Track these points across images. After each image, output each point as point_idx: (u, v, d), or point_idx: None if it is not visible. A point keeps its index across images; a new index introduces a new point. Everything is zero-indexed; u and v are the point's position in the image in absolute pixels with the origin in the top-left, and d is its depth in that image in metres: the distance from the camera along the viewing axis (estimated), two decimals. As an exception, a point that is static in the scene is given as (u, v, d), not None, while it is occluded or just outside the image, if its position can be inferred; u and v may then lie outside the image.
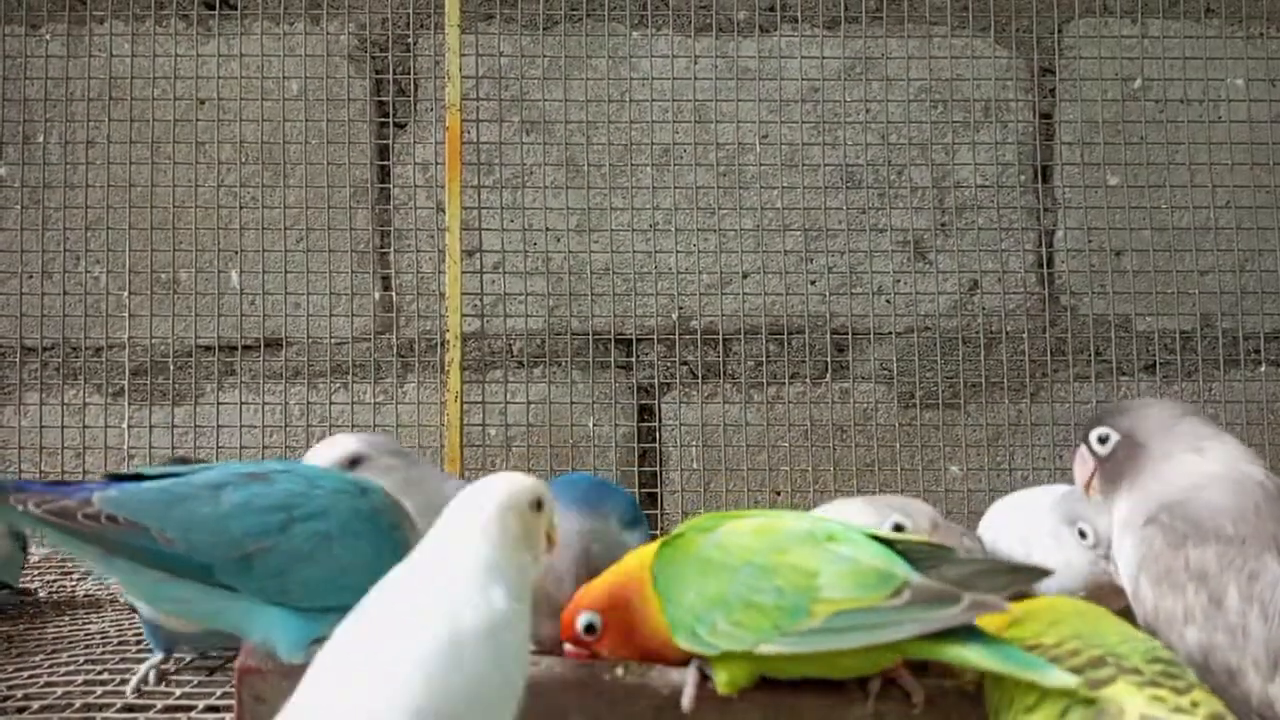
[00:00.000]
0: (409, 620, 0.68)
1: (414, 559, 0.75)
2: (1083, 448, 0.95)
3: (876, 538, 0.82)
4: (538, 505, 0.79)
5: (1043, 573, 0.81)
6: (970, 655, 0.73)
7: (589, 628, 0.88)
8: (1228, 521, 0.82)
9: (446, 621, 0.68)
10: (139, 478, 0.92)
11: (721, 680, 0.81)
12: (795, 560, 0.79)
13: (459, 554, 0.74)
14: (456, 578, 0.72)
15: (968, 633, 0.75)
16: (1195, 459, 0.87)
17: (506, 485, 0.78)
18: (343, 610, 0.89)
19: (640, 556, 0.90)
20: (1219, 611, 0.78)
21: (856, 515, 0.96)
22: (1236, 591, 0.78)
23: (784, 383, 1.91)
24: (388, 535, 0.93)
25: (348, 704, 0.64)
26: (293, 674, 0.86)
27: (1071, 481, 1.00)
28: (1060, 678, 0.70)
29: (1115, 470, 0.90)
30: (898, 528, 0.93)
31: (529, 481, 0.79)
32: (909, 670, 0.85)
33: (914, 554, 0.81)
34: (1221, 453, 0.88)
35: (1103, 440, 0.92)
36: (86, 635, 1.35)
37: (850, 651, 0.76)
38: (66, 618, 1.44)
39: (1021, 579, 0.81)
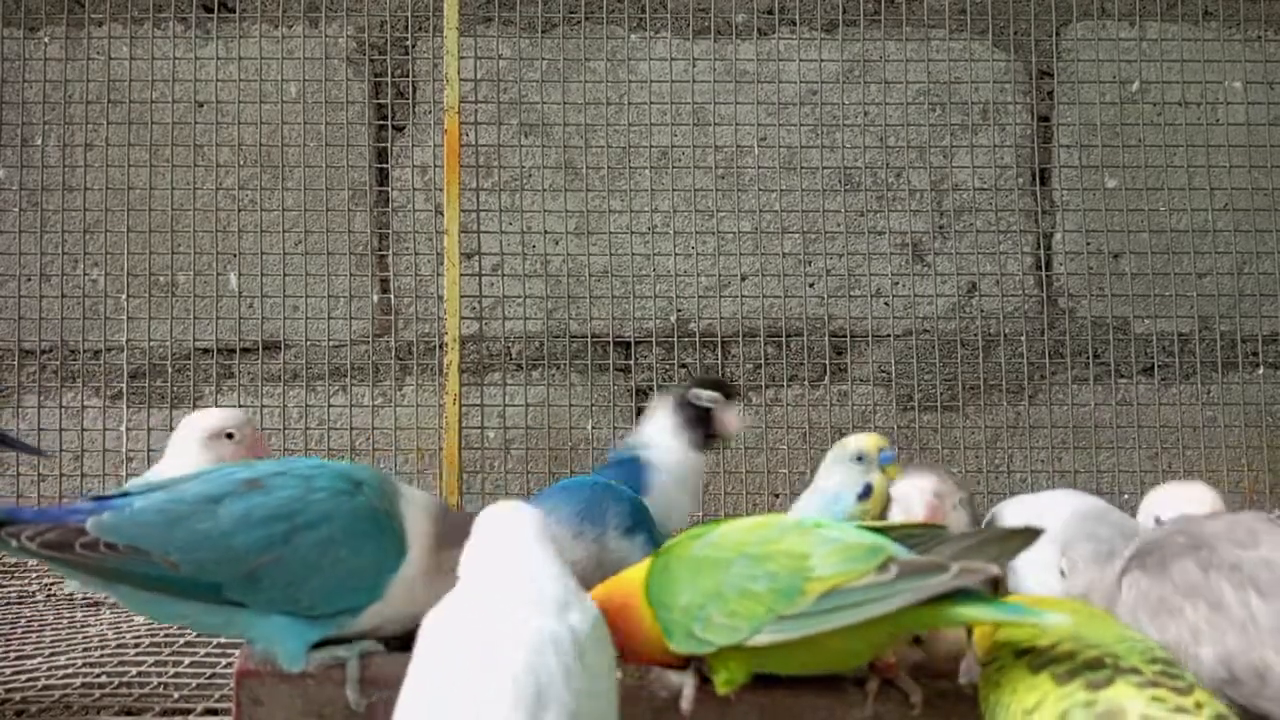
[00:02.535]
0: (528, 633, 0.68)
1: (477, 581, 0.75)
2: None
3: (869, 528, 0.83)
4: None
5: (1034, 533, 0.80)
6: (969, 612, 0.74)
7: None
8: (1181, 536, 0.84)
9: (569, 631, 0.69)
10: (127, 494, 0.89)
11: (720, 680, 0.81)
12: (787, 546, 0.80)
13: (530, 572, 0.75)
14: (551, 589, 0.73)
15: (961, 597, 0.75)
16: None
17: (530, 514, 0.83)
18: (348, 613, 0.89)
19: (635, 571, 0.90)
20: (1221, 613, 0.78)
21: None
22: (1229, 585, 0.78)
23: (782, 385, 1.91)
24: (389, 532, 0.92)
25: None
26: (291, 677, 0.87)
27: (1071, 485, 1.00)
28: (1057, 621, 0.72)
29: None
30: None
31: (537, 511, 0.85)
32: (906, 672, 0.85)
33: (911, 540, 0.81)
34: None
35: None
36: (85, 638, 1.35)
37: (846, 635, 0.76)
38: (65, 620, 1.44)
39: (1013, 545, 0.80)
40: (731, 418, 1.35)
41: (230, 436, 1.35)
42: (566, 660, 0.66)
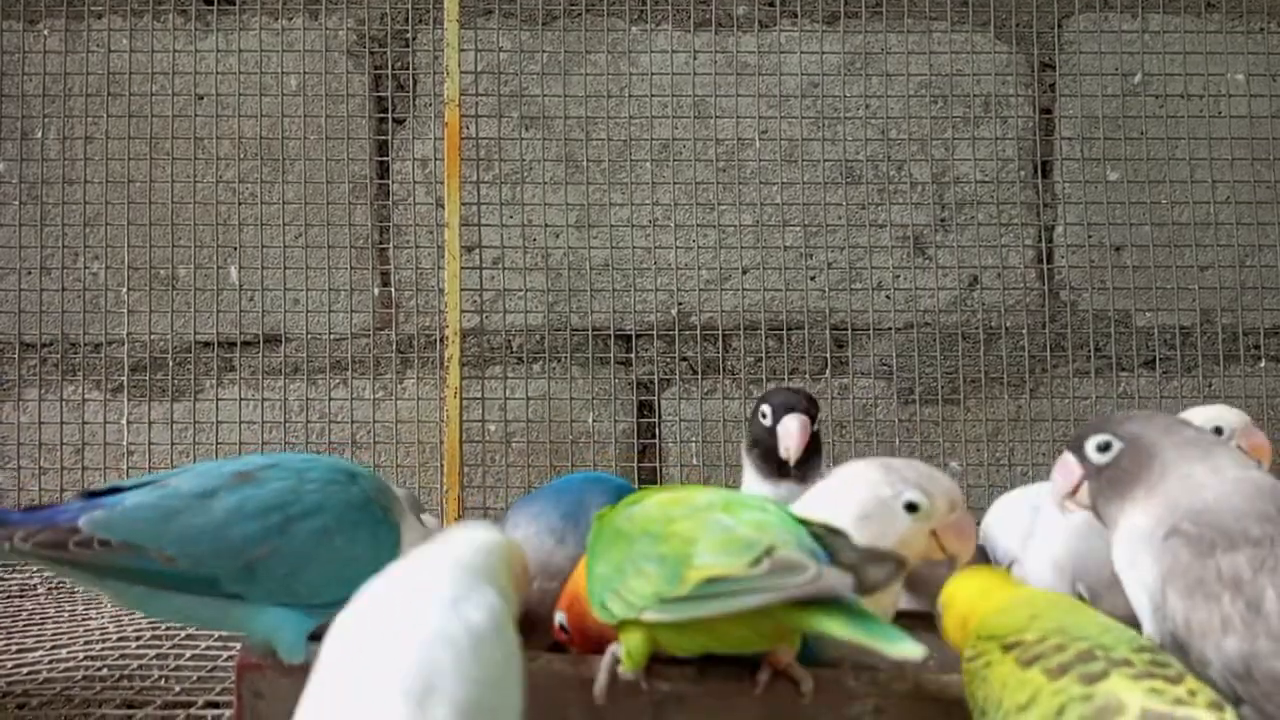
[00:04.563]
0: (419, 624, 0.68)
1: (385, 580, 0.75)
2: (1068, 456, 0.91)
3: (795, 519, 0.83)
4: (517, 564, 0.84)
5: (901, 562, 0.80)
6: (829, 625, 0.74)
7: (562, 626, 0.94)
8: (1253, 524, 0.80)
9: (462, 624, 0.68)
10: (116, 491, 0.89)
11: (626, 659, 0.82)
12: (681, 529, 0.80)
13: (447, 562, 0.76)
14: (446, 585, 0.73)
15: (841, 606, 0.74)
16: (1207, 465, 0.84)
17: (492, 536, 0.83)
18: (344, 603, 0.89)
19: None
20: (1259, 617, 0.76)
21: (869, 485, 0.93)
22: (1275, 594, 0.76)
23: (784, 378, 1.91)
24: (384, 522, 0.93)
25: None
26: (292, 671, 0.87)
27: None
28: (908, 648, 0.69)
29: (1119, 479, 0.87)
30: (910, 507, 0.90)
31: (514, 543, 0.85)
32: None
33: (822, 541, 0.81)
34: (1228, 458, 0.86)
35: (1103, 448, 0.88)
36: (86, 631, 1.35)
37: (728, 623, 0.76)
38: (66, 613, 1.44)
39: (888, 566, 0.80)
40: (788, 434, 1.09)
41: None
42: (459, 651, 0.65)
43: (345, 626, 0.70)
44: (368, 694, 0.62)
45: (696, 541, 0.78)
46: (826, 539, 0.82)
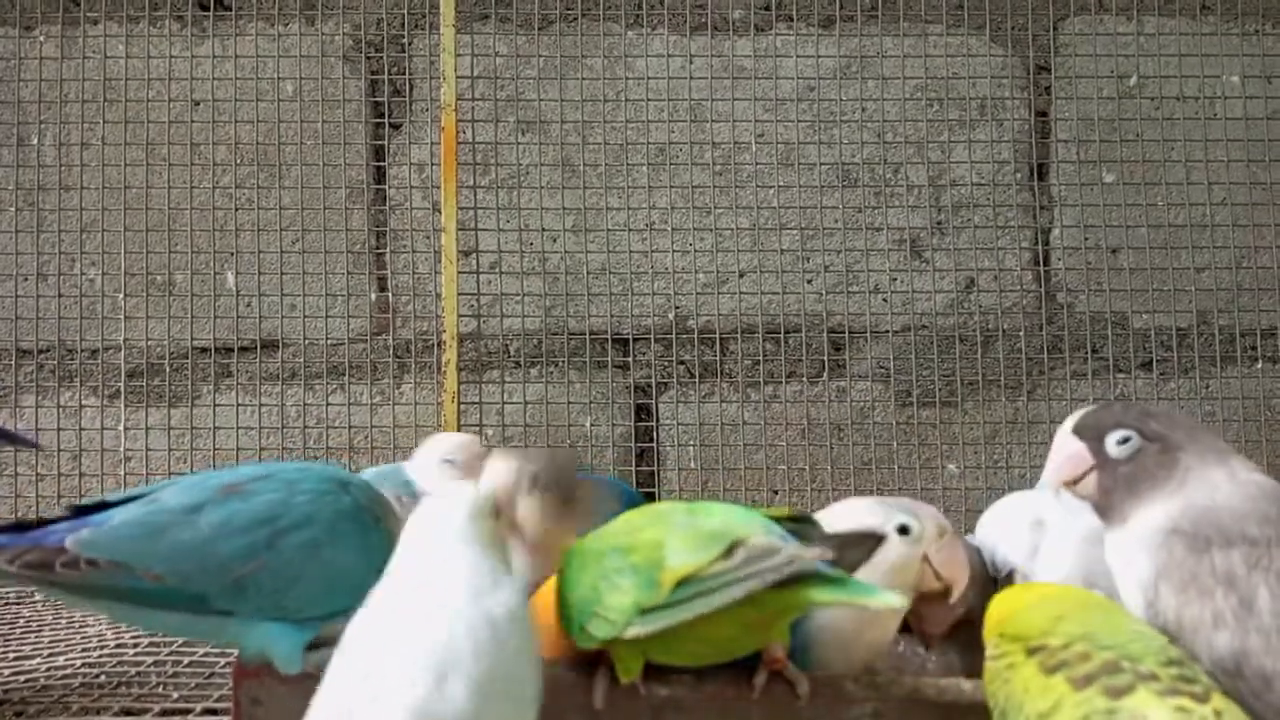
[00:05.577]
0: (439, 615, 0.70)
1: (400, 571, 0.76)
2: (1078, 444, 0.92)
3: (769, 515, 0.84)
4: (495, 514, 0.81)
5: (879, 538, 0.84)
6: (810, 596, 0.75)
7: None
8: (1252, 524, 0.80)
9: (482, 613, 0.71)
10: (104, 506, 0.88)
11: (620, 671, 0.82)
12: (647, 536, 0.80)
13: (451, 560, 0.76)
14: (468, 576, 0.74)
15: (817, 577, 0.75)
16: (1224, 470, 0.84)
17: (465, 498, 0.81)
18: (337, 615, 0.89)
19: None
20: (1250, 614, 0.76)
21: (861, 515, 0.94)
22: (1267, 592, 0.76)
23: (781, 382, 1.91)
24: (374, 531, 0.91)
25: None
26: (290, 678, 0.86)
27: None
28: (888, 599, 0.73)
29: (1137, 478, 0.86)
30: (903, 529, 0.91)
31: (484, 490, 0.82)
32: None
33: (792, 531, 0.82)
34: (1240, 462, 0.86)
35: (1122, 443, 0.87)
36: (84, 638, 1.35)
37: (715, 624, 0.76)
38: (64, 620, 1.44)
39: (867, 546, 0.84)
40: None
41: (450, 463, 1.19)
42: (477, 638, 0.68)
43: (372, 610, 0.72)
44: (389, 671, 0.65)
45: (664, 544, 0.78)
46: (797, 530, 0.82)
